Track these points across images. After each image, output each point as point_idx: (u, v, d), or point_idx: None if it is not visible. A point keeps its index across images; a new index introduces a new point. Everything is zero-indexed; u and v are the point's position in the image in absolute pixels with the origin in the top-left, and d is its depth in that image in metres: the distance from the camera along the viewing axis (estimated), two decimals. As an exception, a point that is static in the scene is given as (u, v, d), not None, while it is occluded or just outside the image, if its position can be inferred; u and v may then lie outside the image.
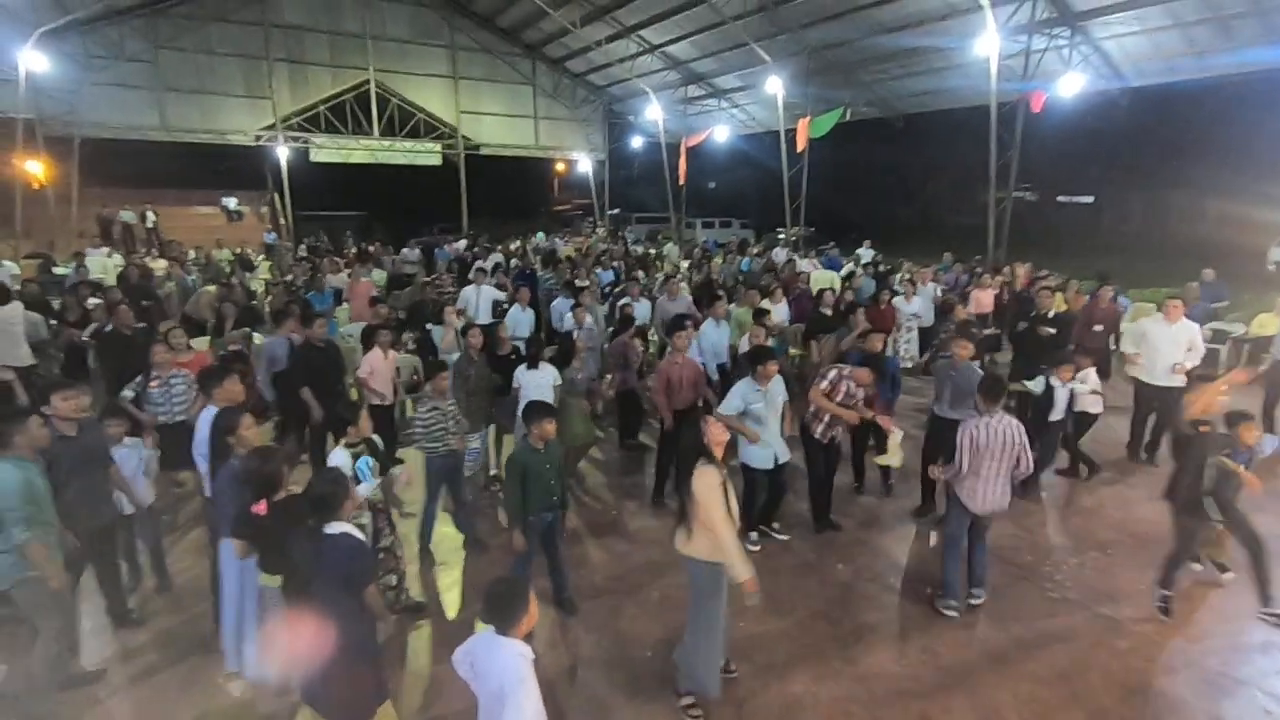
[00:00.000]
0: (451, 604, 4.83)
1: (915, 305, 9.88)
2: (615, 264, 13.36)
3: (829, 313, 8.49)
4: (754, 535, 5.50)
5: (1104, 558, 5.33)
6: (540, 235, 23.01)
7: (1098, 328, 8.02)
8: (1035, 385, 6.23)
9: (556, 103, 27.31)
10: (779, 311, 8.89)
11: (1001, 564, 5.21)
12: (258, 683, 3.81)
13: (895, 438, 5.75)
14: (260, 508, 3.37)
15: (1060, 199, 36.97)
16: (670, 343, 6.31)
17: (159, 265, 14.85)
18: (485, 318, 8.86)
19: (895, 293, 10.01)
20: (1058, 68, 14.75)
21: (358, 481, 4.09)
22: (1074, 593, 4.85)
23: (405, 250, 17.37)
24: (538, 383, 5.95)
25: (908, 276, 11.26)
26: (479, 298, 9.18)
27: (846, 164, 27.62)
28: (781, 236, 22.12)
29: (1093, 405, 6.47)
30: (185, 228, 22.83)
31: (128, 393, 5.69)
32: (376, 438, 4.55)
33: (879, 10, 15.94)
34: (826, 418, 5.51)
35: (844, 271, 13.86)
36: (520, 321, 8.18)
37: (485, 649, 2.46)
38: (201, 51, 21.40)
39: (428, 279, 12.13)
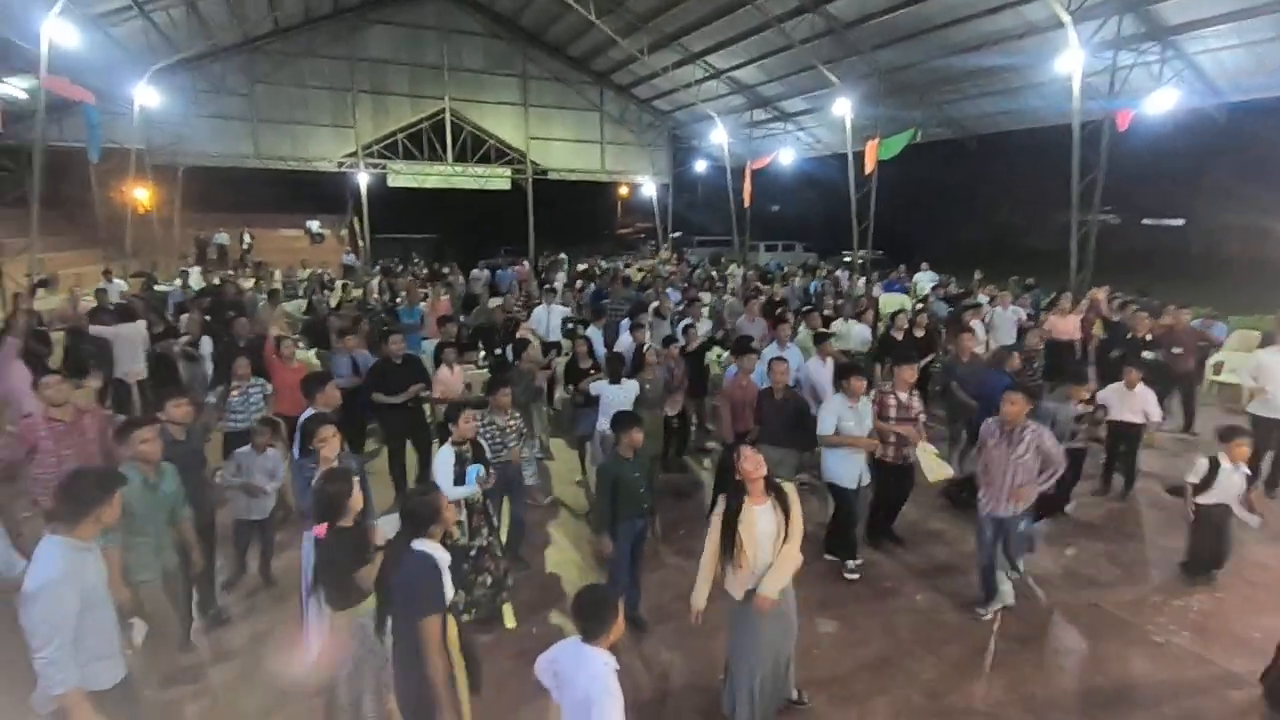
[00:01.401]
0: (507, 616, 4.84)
1: (980, 331, 9.47)
2: (683, 284, 13.44)
3: (899, 336, 8.37)
4: (850, 563, 5.34)
5: (1213, 601, 4.94)
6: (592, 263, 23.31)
7: (1176, 350, 7.61)
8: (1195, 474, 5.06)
9: (623, 128, 27.82)
10: (859, 333, 8.88)
11: (1100, 602, 4.91)
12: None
13: (924, 452, 5.48)
14: (320, 530, 3.24)
15: (1146, 222, 35.11)
16: (739, 364, 6.29)
17: (248, 284, 15.82)
18: (556, 335, 9.10)
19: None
20: (1146, 84, 14.10)
21: (462, 482, 4.31)
22: (1181, 638, 4.51)
23: (474, 271, 17.96)
24: (620, 398, 6.14)
25: (986, 299, 10.87)
26: (550, 316, 9.43)
27: (916, 186, 27.07)
28: (847, 259, 21.74)
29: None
30: (272, 249, 24.28)
31: (211, 399, 6.07)
32: (483, 442, 4.68)
33: (953, 30, 15.65)
34: (893, 438, 5.40)
35: (920, 294, 13.50)
36: (599, 340, 8.45)
37: (571, 657, 2.46)
38: (294, 85, 22.79)
39: (498, 300, 12.44)
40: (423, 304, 10.96)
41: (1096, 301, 10.46)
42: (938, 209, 35.26)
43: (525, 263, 21.90)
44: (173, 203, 21.05)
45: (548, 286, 11.48)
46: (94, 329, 8.22)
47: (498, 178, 26.20)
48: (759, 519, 3.42)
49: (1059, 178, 14.60)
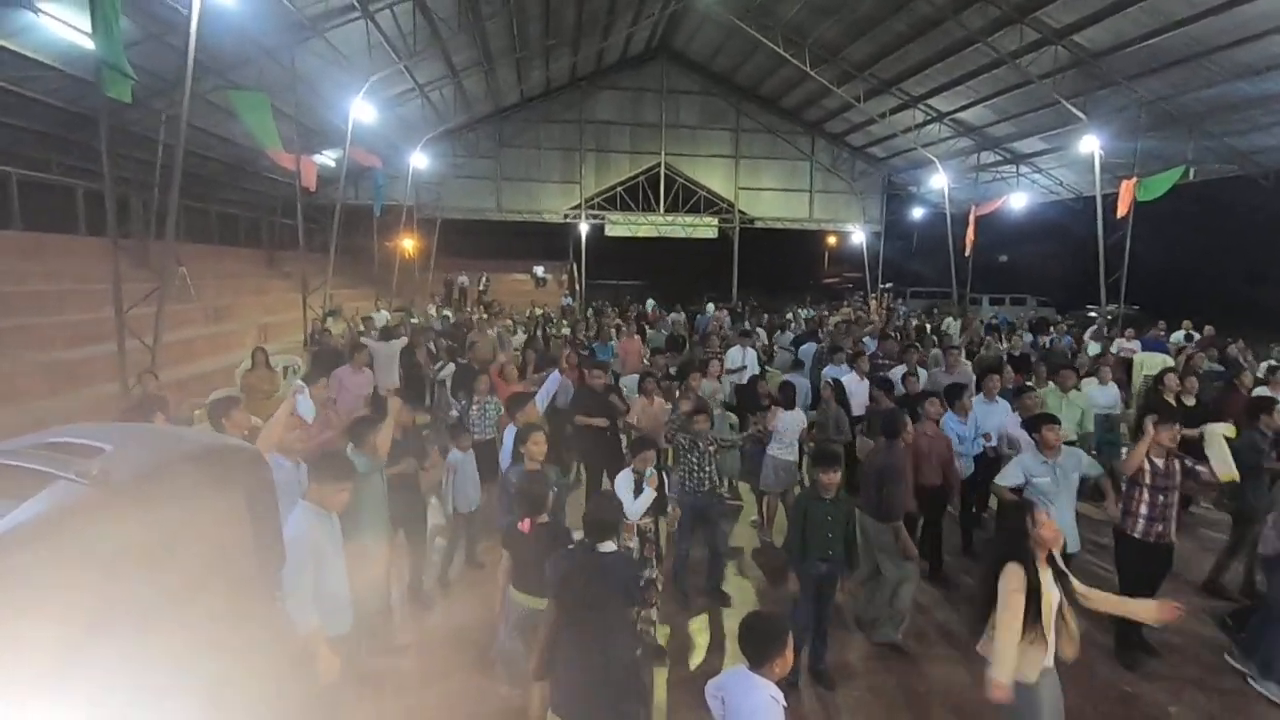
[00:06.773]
0: (694, 650, 4.79)
1: None
2: (891, 334, 12.84)
3: (1171, 400, 7.19)
4: None
5: None
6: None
7: None
8: None
9: (833, 176, 27.42)
10: (1107, 394, 7.85)
11: None
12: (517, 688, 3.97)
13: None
14: (525, 525, 3.54)
15: None
16: (925, 411, 5.85)
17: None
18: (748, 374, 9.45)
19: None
20: None
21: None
22: None
23: (673, 315, 18.60)
24: (791, 423, 6.50)
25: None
26: (744, 356, 9.78)
27: (1186, 232, 23.11)
28: (1094, 314, 19.08)
29: None
30: (502, 290, 27.34)
31: (454, 413, 6.89)
32: (665, 474, 4.82)
33: (1241, 50, 13.23)
34: (1143, 509, 4.58)
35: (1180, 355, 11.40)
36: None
37: (738, 685, 2.39)
38: (531, 147, 25.88)
39: (698, 341, 12.78)
40: (614, 342, 11.66)
41: None
42: (1218, 259, 29.75)
43: (724, 309, 22.19)
44: (429, 250, 24.69)
45: (743, 329, 11.81)
46: (364, 340, 9.86)
47: (705, 226, 27.13)
48: (1050, 589, 3.12)
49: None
